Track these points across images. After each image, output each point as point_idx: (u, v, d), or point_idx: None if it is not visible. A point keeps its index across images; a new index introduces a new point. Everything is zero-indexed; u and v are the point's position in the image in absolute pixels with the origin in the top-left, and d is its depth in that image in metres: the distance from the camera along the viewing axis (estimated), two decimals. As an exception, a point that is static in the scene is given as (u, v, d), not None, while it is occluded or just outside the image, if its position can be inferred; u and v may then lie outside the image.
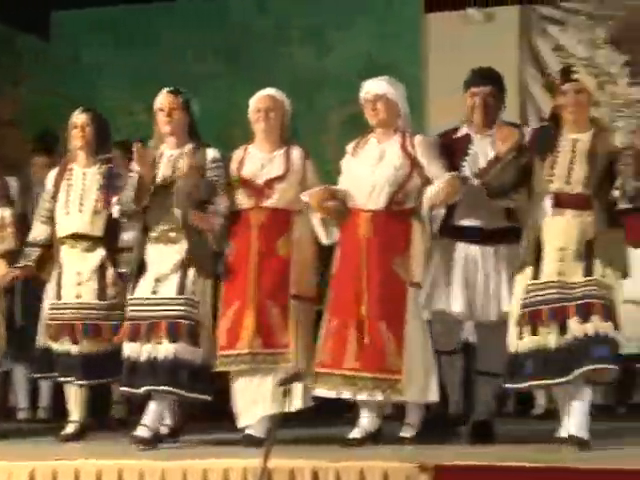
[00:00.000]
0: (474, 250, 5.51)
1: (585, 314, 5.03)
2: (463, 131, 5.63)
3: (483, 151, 5.54)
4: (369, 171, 5.47)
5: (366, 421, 5.46)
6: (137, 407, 5.98)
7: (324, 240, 5.63)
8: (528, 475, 4.53)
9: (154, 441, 5.51)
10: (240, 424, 5.67)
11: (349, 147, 5.67)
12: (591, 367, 5.00)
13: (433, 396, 5.39)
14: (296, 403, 5.52)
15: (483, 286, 5.47)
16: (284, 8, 9.52)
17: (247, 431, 5.58)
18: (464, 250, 5.52)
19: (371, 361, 5.32)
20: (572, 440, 5.06)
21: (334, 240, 5.61)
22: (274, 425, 4.80)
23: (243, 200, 5.68)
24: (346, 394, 5.38)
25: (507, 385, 5.30)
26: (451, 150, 5.57)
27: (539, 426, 6.31)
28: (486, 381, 5.62)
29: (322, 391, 5.44)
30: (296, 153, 5.74)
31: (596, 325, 5.02)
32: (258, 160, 5.72)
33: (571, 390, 5.12)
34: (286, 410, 5.17)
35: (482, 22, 8.81)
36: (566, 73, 5.39)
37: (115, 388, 6.28)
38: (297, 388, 5.45)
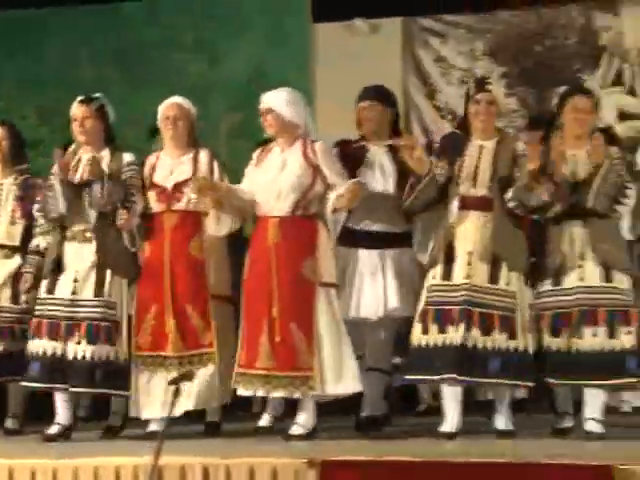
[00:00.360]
0: (362, 254, 5.65)
1: (487, 325, 5.28)
2: (360, 142, 5.78)
3: (378, 161, 5.74)
4: (273, 179, 5.50)
5: (272, 410, 5.65)
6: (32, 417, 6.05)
7: (211, 231, 5.62)
8: (412, 469, 4.55)
9: (66, 436, 5.62)
10: (143, 416, 5.68)
11: (254, 155, 5.71)
12: (484, 380, 5.31)
13: (351, 388, 5.42)
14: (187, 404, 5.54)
15: (370, 286, 5.61)
16: (175, 17, 9.43)
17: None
18: (354, 254, 5.66)
19: (284, 360, 5.37)
20: (501, 434, 5.38)
21: (224, 233, 5.62)
22: (165, 423, 4.73)
23: (155, 204, 5.71)
24: (260, 392, 5.45)
25: (409, 377, 5.48)
26: (349, 160, 5.69)
27: (423, 421, 6.34)
28: (377, 377, 5.71)
29: (241, 390, 5.50)
30: (203, 156, 5.76)
31: (494, 339, 5.28)
32: (168, 166, 5.77)
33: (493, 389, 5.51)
34: (175, 409, 5.12)
35: (367, 33, 8.84)
36: (480, 84, 5.57)
37: (11, 399, 6.18)
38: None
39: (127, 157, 5.79)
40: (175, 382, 4.56)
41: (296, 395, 5.41)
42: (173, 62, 9.34)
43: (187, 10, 9.43)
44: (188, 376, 4.84)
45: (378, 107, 5.76)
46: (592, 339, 5.29)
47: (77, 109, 5.77)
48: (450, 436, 5.32)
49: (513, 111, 8.56)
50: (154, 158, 5.82)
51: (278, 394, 5.44)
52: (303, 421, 5.46)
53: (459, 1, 8.47)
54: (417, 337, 5.39)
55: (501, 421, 5.46)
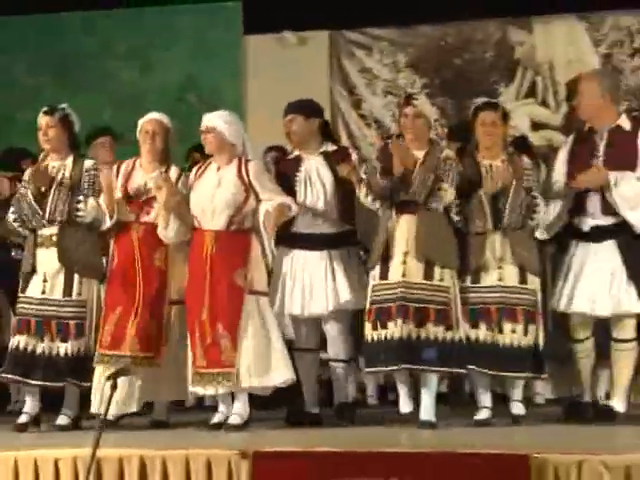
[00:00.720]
0: (308, 255, 5.80)
1: (421, 318, 5.44)
2: (295, 153, 5.92)
3: (315, 168, 5.84)
4: (210, 195, 5.61)
5: (224, 408, 5.64)
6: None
7: (160, 235, 5.67)
8: (340, 459, 4.58)
9: (33, 425, 5.69)
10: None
11: (193, 171, 5.80)
12: (419, 368, 5.45)
13: (272, 382, 5.54)
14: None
15: (319, 285, 5.76)
16: (109, 28, 9.37)
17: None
18: (299, 256, 5.81)
19: (212, 359, 5.50)
20: (423, 424, 5.44)
21: (171, 239, 5.68)
22: (103, 416, 4.68)
23: (126, 214, 5.79)
24: (197, 389, 5.58)
25: (367, 370, 5.68)
26: (284, 171, 5.85)
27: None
28: (344, 367, 5.89)
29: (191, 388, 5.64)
30: (173, 172, 5.81)
31: (427, 330, 5.43)
32: (142, 179, 5.82)
33: (420, 380, 5.57)
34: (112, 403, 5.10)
35: (296, 45, 8.86)
36: (407, 99, 5.77)
37: None
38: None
39: (87, 164, 5.87)
40: (112, 377, 4.53)
41: (221, 390, 5.53)
42: (107, 70, 9.28)
43: (121, 20, 9.37)
44: (125, 371, 4.81)
45: (299, 119, 5.84)
46: (511, 335, 5.52)
47: (41, 119, 5.85)
48: (407, 417, 5.52)
49: (434, 120, 8.63)
50: (130, 166, 5.88)
51: (210, 391, 5.55)
52: (240, 411, 5.54)
53: (383, 15, 8.52)
54: (368, 334, 5.56)
55: (426, 412, 5.52)
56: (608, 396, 5.80)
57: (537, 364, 5.56)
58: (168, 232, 5.64)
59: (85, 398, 5.76)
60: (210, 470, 4.58)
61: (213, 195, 5.59)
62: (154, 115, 5.89)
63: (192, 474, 4.59)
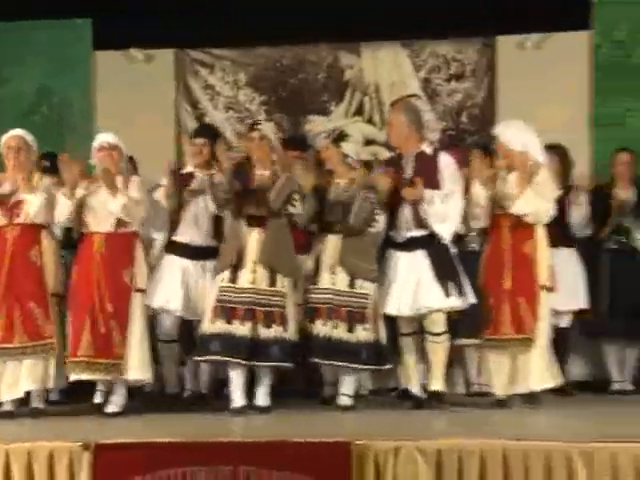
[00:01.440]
0: (185, 262, 6.06)
1: (269, 319, 5.65)
2: (188, 169, 6.18)
3: (203, 185, 6.05)
4: (102, 203, 5.80)
5: (100, 395, 5.80)
6: None
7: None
8: (174, 448, 4.51)
9: None
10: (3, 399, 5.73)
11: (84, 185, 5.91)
12: (267, 364, 5.66)
13: (146, 375, 5.76)
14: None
15: (198, 291, 6.00)
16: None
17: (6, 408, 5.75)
18: (177, 261, 6.06)
19: (103, 350, 5.63)
20: (262, 410, 5.66)
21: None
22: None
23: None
24: (84, 376, 5.66)
25: (195, 358, 5.79)
26: (180, 184, 6.04)
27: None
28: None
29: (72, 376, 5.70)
30: (37, 179, 5.91)
31: (275, 330, 5.65)
32: (9, 187, 5.87)
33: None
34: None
35: (143, 61, 8.71)
36: (252, 125, 6.07)
37: None
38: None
39: None
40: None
41: (109, 378, 5.69)
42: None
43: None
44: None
45: (207, 144, 6.08)
46: (336, 331, 5.75)
47: None
48: (240, 411, 5.61)
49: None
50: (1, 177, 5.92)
51: (98, 377, 5.67)
52: (119, 401, 5.74)
53: (225, 36, 8.48)
54: (207, 327, 5.69)
55: (263, 399, 5.73)
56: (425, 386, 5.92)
57: (378, 357, 5.76)
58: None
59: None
60: (52, 462, 4.43)
61: (104, 202, 5.76)
62: (17, 132, 5.93)
63: (34, 466, 4.44)
